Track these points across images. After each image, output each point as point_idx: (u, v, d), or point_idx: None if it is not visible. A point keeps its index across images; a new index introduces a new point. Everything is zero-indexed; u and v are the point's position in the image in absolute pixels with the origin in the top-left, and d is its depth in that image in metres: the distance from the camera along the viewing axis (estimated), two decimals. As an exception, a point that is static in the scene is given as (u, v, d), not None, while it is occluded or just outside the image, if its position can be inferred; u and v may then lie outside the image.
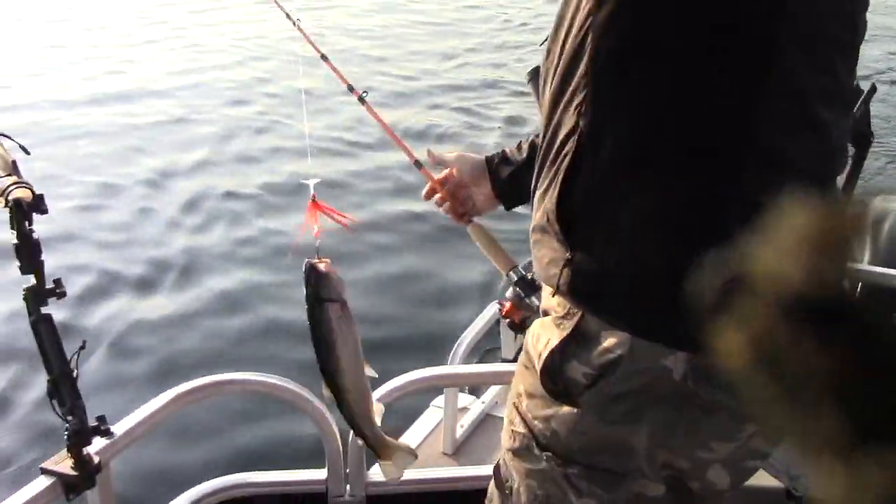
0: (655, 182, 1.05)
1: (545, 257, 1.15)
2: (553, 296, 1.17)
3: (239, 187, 6.73)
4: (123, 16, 12.77)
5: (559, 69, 1.11)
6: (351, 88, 2.11)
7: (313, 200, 1.12)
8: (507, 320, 2.27)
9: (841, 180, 2.13)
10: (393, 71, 10.14)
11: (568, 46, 1.09)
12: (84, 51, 10.90)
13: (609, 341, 1.09)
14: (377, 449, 1.27)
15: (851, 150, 2.28)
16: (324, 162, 6.78)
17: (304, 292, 1.13)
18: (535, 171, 1.20)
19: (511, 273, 2.19)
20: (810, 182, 1.07)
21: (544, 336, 1.16)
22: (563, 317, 1.14)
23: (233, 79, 9.61)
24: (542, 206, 1.16)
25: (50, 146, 7.16)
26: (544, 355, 1.15)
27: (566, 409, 1.15)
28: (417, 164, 2.33)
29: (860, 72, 1.17)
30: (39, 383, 4.27)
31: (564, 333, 1.13)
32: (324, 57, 2.17)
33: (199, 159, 7.32)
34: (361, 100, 2.07)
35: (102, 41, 11.46)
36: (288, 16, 2.24)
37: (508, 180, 1.56)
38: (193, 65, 10.20)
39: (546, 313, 1.21)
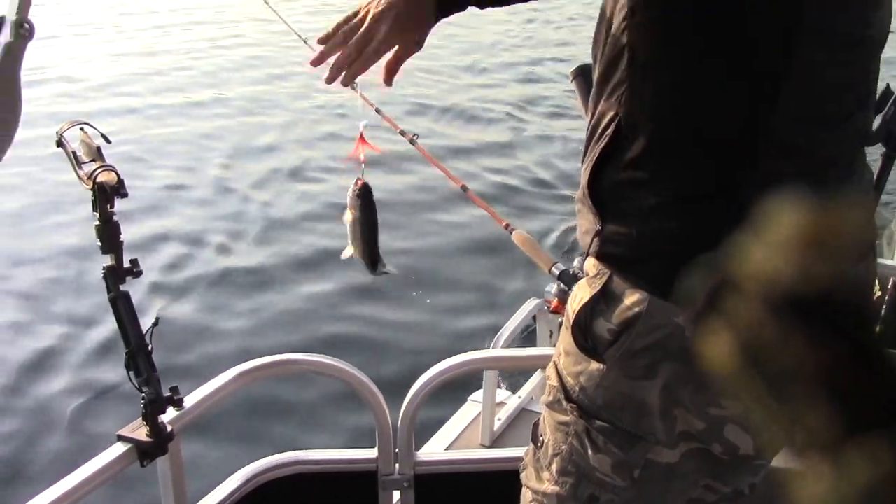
0: (677, 172, 1.15)
1: (582, 226, 1.27)
2: (584, 259, 1.29)
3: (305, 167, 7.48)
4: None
5: (604, 58, 1.20)
6: (402, 133, 2.35)
7: (361, 136, 1.49)
8: (558, 317, 2.39)
9: (871, 179, 2.20)
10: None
11: (609, 41, 1.18)
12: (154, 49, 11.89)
13: (630, 299, 1.18)
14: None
15: (882, 149, 2.35)
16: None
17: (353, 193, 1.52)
18: (584, 145, 1.29)
19: (553, 269, 2.32)
20: (825, 170, 1.16)
21: (579, 295, 1.26)
22: (595, 276, 1.23)
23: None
24: (582, 180, 1.27)
25: (126, 133, 7.81)
26: (577, 310, 1.24)
27: (594, 365, 1.23)
28: (464, 188, 2.54)
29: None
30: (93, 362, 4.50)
31: (594, 291, 1.22)
32: (378, 111, 2.33)
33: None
34: (412, 142, 2.33)
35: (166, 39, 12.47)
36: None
37: None
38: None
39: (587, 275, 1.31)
